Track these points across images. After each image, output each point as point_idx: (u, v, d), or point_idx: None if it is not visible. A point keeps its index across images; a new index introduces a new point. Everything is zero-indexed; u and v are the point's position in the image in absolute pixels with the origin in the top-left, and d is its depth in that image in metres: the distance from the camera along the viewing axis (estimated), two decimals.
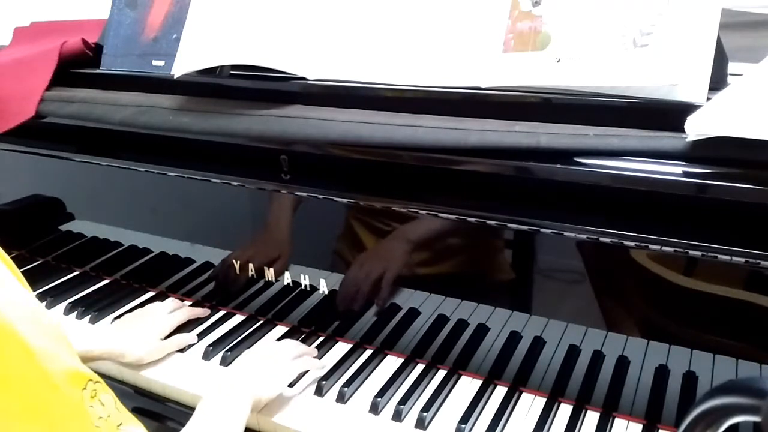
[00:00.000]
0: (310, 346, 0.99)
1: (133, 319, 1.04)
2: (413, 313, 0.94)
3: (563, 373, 0.86)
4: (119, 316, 1.10)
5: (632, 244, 0.74)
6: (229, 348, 1.01)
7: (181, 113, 0.96)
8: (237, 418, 0.78)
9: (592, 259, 0.79)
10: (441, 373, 0.94)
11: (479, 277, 0.91)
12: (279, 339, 1.03)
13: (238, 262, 1.07)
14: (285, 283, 1.04)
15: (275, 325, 1.07)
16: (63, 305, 1.15)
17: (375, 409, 0.87)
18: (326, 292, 1.01)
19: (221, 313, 1.12)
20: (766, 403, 0.36)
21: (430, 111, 0.81)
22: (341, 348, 1.01)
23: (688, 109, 0.66)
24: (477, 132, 0.75)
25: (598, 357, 0.83)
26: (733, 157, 0.63)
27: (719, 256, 0.70)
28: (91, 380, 0.57)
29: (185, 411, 0.93)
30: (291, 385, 0.91)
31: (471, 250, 0.90)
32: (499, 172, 0.77)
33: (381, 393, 0.89)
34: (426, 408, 0.86)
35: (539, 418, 0.84)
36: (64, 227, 1.27)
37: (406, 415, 0.86)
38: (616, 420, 0.83)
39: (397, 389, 0.91)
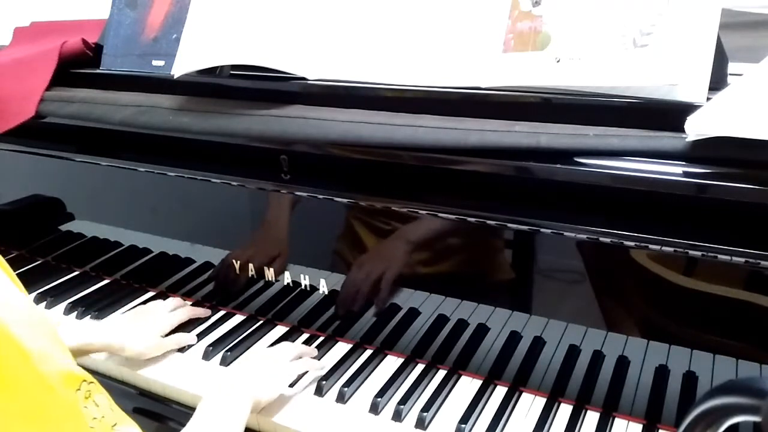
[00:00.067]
0: (310, 346, 1.00)
1: (135, 315, 1.05)
2: (413, 313, 0.94)
3: (563, 373, 0.86)
4: None
5: (632, 244, 0.74)
6: (229, 348, 1.01)
7: (181, 113, 0.96)
8: (237, 419, 0.78)
9: (592, 259, 0.79)
10: (441, 373, 0.94)
11: (479, 277, 0.91)
12: (279, 339, 1.03)
13: (238, 262, 1.07)
14: (285, 283, 1.04)
15: (275, 325, 1.07)
16: (63, 305, 1.15)
17: (375, 409, 0.87)
18: (326, 292, 1.01)
19: (221, 313, 1.12)
20: (766, 403, 0.36)
21: (430, 111, 0.81)
22: (341, 348, 1.01)
23: (688, 109, 0.66)
24: (477, 132, 0.75)
25: (598, 357, 0.83)
26: (733, 157, 0.63)
27: (719, 256, 0.70)
28: (85, 381, 0.57)
29: (185, 411, 0.93)
30: (291, 385, 0.91)
31: (471, 250, 0.90)
32: (499, 172, 0.77)
33: (381, 393, 0.89)
34: (426, 408, 0.86)
35: (539, 418, 0.84)
36: (64, 227, 1.27)
37: (406, 415, 0.86)
38: (616, 420, 0.83)
39: (397, 389, 0.91)
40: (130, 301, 1.17)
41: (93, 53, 1.14)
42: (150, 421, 0.97)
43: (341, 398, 0.89)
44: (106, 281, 1.24)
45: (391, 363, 0.97)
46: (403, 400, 0.87)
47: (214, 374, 0.97)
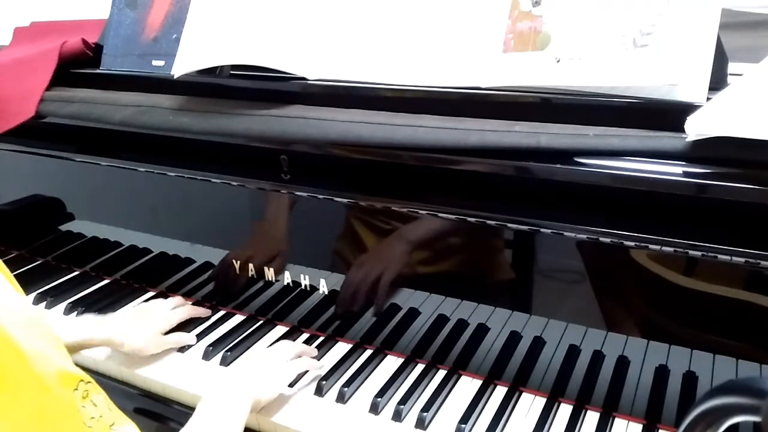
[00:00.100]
0: (310, 346, 1.00)
1: (136, 312, 1.05)
2: (413, 313, 0.94)
3: (563, 373, 0.86)
4: None
5: (632, 244, 0.74)
6: (229, 348, 1.01)
7: (181, 113, 0.96)
8: (237, 418, 0.78)
9: (592, 259, 0.79)
10: (441, 373, 0.94)
11: (479, 277, 0.91)
12: (279, 339, 1.03)
13: (238, 262, 1.07)
14: (285, 283, 1.04)
15: (275, 325, 1.07)
16: (63, 305, 1.15)
17: (375, 409, 0.87)
18: (326, 292, 1.01)
19: (221, 313, 1.12)
20: (766, 403, 0.36)
21: (430, 111, 0.81)
22: (341, 348, 1.01)
23: (688, 109, 0.66)
24: (477, 132, 0.75)
25: (598, 357, 0.83)
26: (733, 157, 0.63)
27: (719, 256, 0.70)
28: (82, 380, 0.57)
29: (185, 411, 0.93)
30: (291, 385, 0.91)
31: (471, 250, 0.90)
32: (499, 172, 0.77)
33: (381, 393, 0.89)
34: (426, 408, 0.86)
35: (539, 418, 0.84)
36: (64, 227, 1.27)
37: (406, 415, 0.86)
38: (616, 420, 0.83)
39: (397, 389, 0.91)
40: (130, 301, 1.17)
41: (93, 53, 1.14)
42: (150, 421, 0.97)
43: (341, 398, 0.89)
44: (106, 281, 1.24)
45: (391, 363, 0.97)
46: (403, 400, 0.87)
47: (214, 374, 0.97)
